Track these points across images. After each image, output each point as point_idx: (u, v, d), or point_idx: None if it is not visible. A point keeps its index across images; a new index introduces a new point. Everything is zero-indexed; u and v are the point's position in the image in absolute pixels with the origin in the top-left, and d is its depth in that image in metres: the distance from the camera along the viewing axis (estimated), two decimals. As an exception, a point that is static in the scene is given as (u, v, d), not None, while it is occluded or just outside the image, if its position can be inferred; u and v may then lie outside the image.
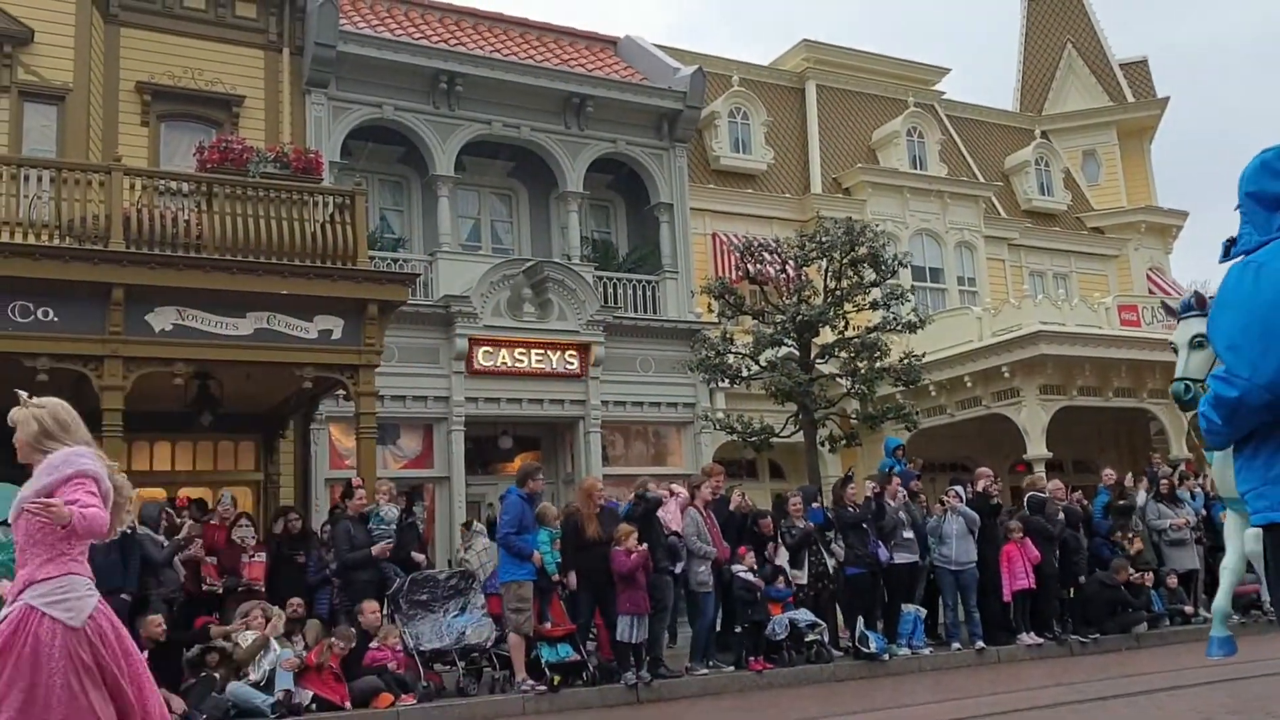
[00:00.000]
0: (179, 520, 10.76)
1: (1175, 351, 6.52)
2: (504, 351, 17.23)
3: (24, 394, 4.52)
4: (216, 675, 9.08)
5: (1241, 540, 7.27)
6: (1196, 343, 6.43)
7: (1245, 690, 8.09)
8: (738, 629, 11.60)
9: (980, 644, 12.36)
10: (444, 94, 17.46)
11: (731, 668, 11.21)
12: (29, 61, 14.24)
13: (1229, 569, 7.54)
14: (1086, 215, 26.12)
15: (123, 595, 9.41)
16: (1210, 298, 6.54)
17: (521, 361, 17.30)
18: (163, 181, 12.61)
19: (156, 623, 9.13)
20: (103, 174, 11.81)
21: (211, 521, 11.05)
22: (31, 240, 11.33)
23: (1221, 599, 7.55)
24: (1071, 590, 13.41)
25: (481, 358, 16.99)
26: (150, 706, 4.24)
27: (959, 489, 13.14)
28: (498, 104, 17.94)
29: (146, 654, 8.77)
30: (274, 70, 16.24)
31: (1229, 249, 3.40)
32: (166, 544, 10.12)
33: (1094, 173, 26.76)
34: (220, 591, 10.40)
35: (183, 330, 11.50)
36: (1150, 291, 24.20)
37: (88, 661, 4.07)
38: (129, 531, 9.57)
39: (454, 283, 16.87)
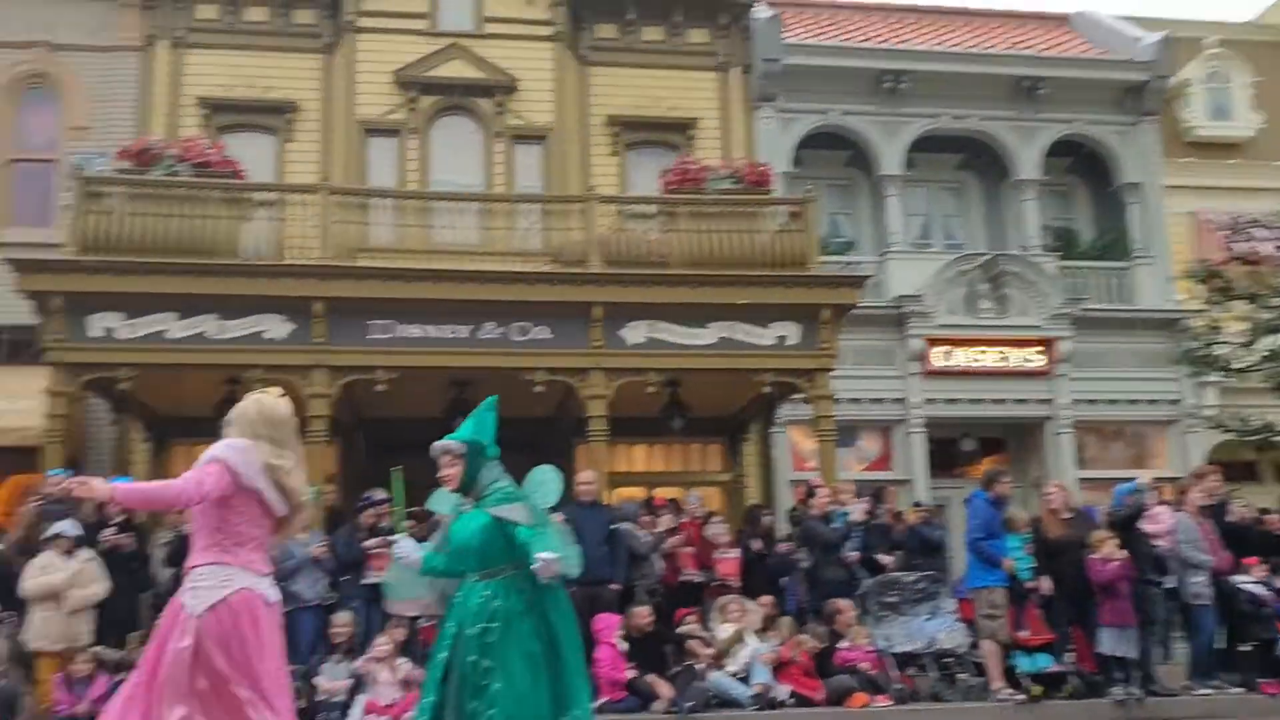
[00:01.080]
0: (657, 516, 11.52)
1: None
2: (961, 350, 16.74)
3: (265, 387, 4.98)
4: (698, 666, 9.59)
5: None
6: None
7: None
8: (1244, 647, 10.41)
9: None
10: (889, 93, 17.33)
11: (1239, 690, 10.08)
12: (516, 108, 16.00)
13: None
14: None
15: (611, 586, 10.25)
16: None
17: (980, 360, 16.70)
18: (631, 206, 13.60)
19: (644, 614, 9.83)
20: (582, 203, 12.98)
21: (683, 520, 11.69)
22: (526, 268, 12.71)
23: None
24: None
25: (938, 358, 16.62)
26: (273, 705, 4.31)
27: None
28: (945, 96, 17.50)
29: (628, 645, 9.53)
30: (724, 90, 16.96)
31: None
32: (648, 538, 10.85)
33: None
34: (698, 582, 10.95)
35: (654, 342, 12.34)
36: None
37: (202, 648, 4.24)
38: (614, 528, 10.40)
39: (905, 282, 16.66)
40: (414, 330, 11.97)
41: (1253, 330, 14.56)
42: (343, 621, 9.21)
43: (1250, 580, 10.41)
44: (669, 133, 16.59)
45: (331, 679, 8.88)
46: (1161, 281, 17.45)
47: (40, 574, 8.94)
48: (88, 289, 11.40)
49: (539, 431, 13.79)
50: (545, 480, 5.56)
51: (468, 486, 5.38)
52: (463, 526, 5.36)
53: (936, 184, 18.64)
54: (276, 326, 11.77)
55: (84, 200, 11.78)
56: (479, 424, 5.48)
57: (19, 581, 9.04)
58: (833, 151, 17.89)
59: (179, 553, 9.73)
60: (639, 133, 16.50)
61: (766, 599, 10.45)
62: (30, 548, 9.33)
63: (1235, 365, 14.85)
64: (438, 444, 5.43)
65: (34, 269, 11.53)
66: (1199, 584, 10.34)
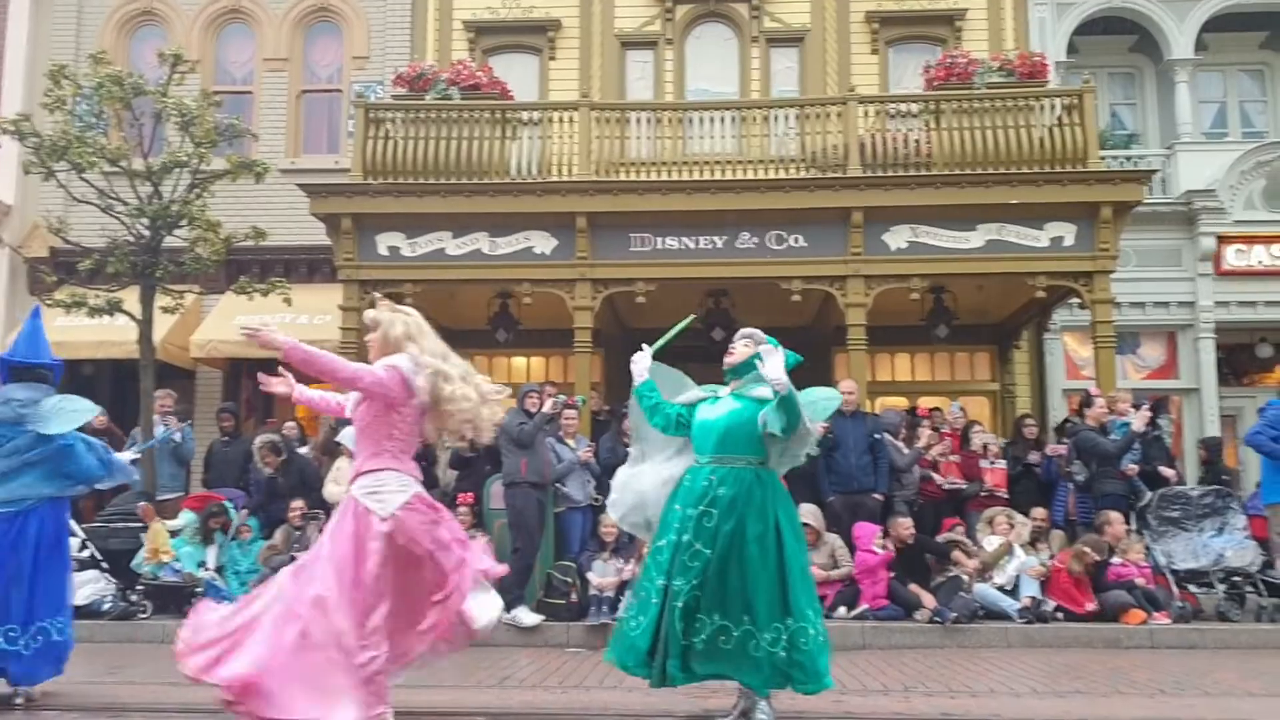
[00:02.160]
0: (917, 428, 11.31)
1: None
2: (1260, 249, 15.31)
3: (384, 300, 5.04)
4: (965, 576, 9.43)
5: None
6: None
7: None
8: None
9: None
10: (1180, -32, 15.79)
11: None
12: (771, 10, 15.70)
13: None
14: None
15: (874, 495, 10.20)
16: None
17: (1282, 259, 15.24)
18: (893, 105, 13.14)
19: (906, 525, 9.73)
20: (839, 105, 12.65)
21: (944, 430, 11.40)
22: (782, 175, 12.58)
23: None
24: None
25: (1232, 257, 15.26)
26: (458, 583, 4.68)
27: None
28: (1246, -33, 15.78)
29: (893, 554, 9.47)
30: (993, -24, 15.96)
31: None
32: (908, 452, 10.68)
33: None
34: (962, 494, 10.71)
35: (916, 247, 12.02)
36: None
37: (398, 545, 4.62)
38: (876, 438, 10.30)
39: (1197, 176, 15.31)
40: (672, 242, 12.16)
41: None
42: (610, 522, 9.62)
43: None
44: (934, 25, 15.82)
45: (601, 575, 9.34)
46: None
47: (334, 476, 9.71)
48: (372, 210, 12.25)
49: (797, 340, 13.59)
50: (821, 397, 5.63)
51: (741, 371, 5.43)
52: (712, 408, 5.43)
53: (1234, 66, 16.91)
54: (543, 242, 12.27)
55: (366, 127, 12.58)
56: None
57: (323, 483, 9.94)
58: (1114, 37, 16.54)
59: (458, 457, 10.47)
60: (900, 28, 15.83)
61: (1040, 512, 10.10)
62: (331, 447, 10.24)
63: None
64: (748, 329, 5.60)
65: (324, 193, 12.48)
66: None
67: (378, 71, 15.67)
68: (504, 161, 12.63)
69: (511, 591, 8.72)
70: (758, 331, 5.53)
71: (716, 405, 5.43)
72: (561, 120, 12.72)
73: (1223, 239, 15.20)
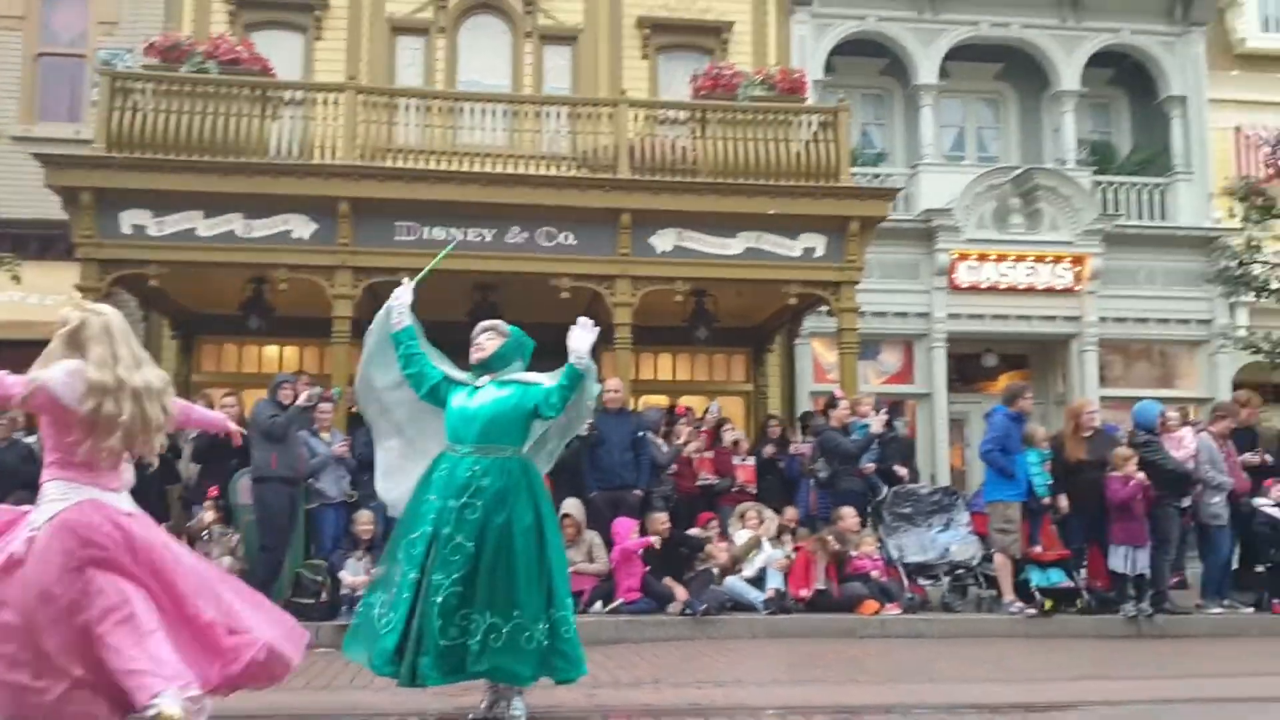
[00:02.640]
0: (675, 425, 11.63)
1: None
2: (989, 266, 16.59)
3: (79, 298, 4.72)
4: (715, 570, 9.76)
5: None
6: None
7: None
8: (1259, 568, 10.47)
9: None
10: (928, -1, 16.91)
11: (1251, 609, 10.17)
12: (545, 7, 15.74)
13: None
14: None
15: (635, 491, 10.41)
16: None
17: (1008, 276, 16.54)
18: (662, 111, 13.44)
19: (662, 520, 9.97)
20: (611, 107, 12.83)
21: (702, 428, 11.77)
22: (553, 172, 12.63)
23: None
24: None
25: (965, 272, 16.49)
26: (177, 594, 4.11)
27: None
28: (985, 3, 17.03)
29: (649, 547, 9.68)
30: (760, -7, 16.60)
31: None
32: (667, 449, 10.97)
33: None
34: (715, 490, 11.09)
35: (682, 251, 12.32)
36: None
37: (38, 557, 3.97)
38: (639, 435, 10.52)
39: (936, 195, 16.44)
40: (439, 233, 11.95)
41: (1291, 251, 14.33)
42: (365, 519, 9.41)
43: (1269, 502, 10.41)
44: (702, 36, 16.28)
45: (354, 574, 9.11)
46: (1200, 198, 17.15)
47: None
48: (116, 185, 11.46)
49: (564, 338, 13.83)
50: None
51: (492, 365, 5.31)
52: (471, 398, 5.25)
53: (972, 94, 18.28)
54: (302, 226, 11.82)
55: (112, 96, 11.76)
56: (522, 336, 5.51)
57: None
58: (867, 59, 17.54)
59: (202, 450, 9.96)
60: (671, 36, 16.21)
61: (792, 513, 10.57)
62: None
63: (1271, 286, 14.64)
64: (489, 320, 5.48)
65: (62, 164, 11.57)
66: (1216, 505, 10.36)
67: (128, 39, 14.64)
68: (263, 141, 12.10)
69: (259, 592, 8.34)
70: (499, 322, 5.48)
71: (477, 395, 5.25)
72: (326, 102, 12.31)
73: (957, 255, 16.38)
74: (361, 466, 10.10)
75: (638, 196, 12.18)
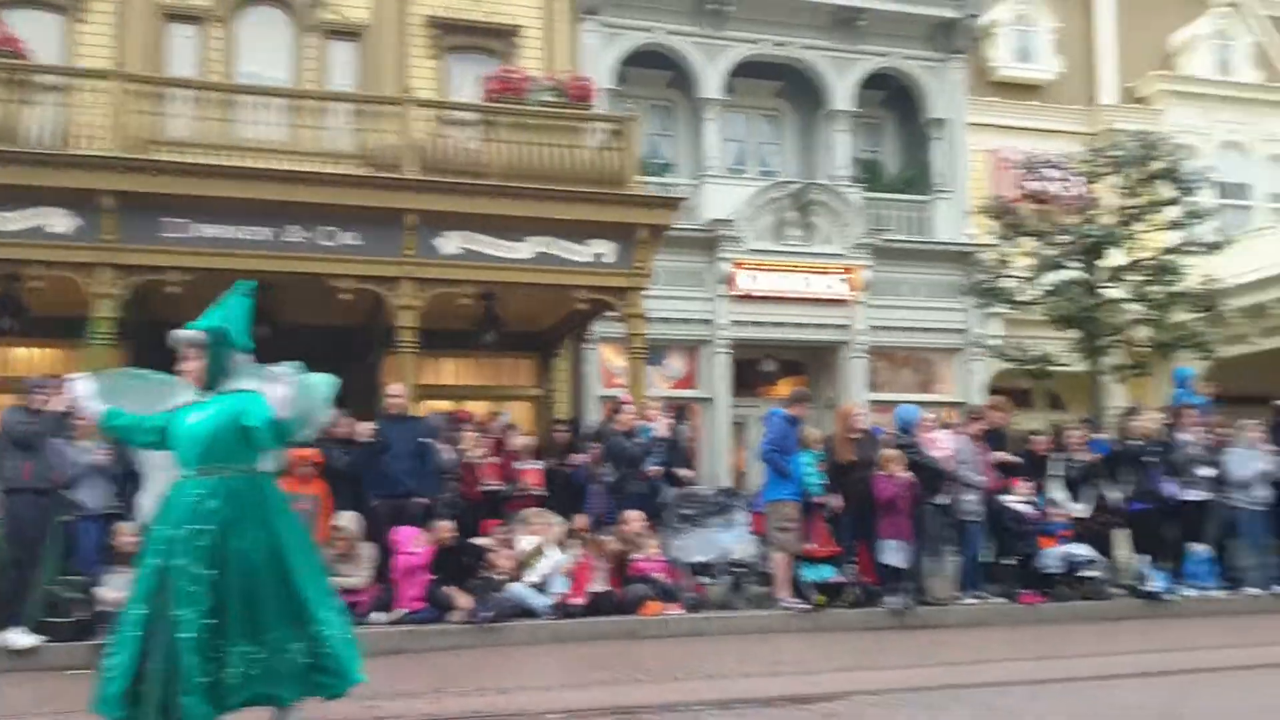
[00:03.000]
0: (459, 431, 11.54)
1: None
2: (767, 275, 17.23)
3: None
4: (500, 577, 9.72)
5: None
6: None
7: None
8: (1007, 561, 11.28)
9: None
10: (713, 15, 17.40)
11: (1001, 599, 10.94)
12: (329, 1, 15.30)
13: None
14: None
15: (419, 499, 10.24)
16: None
17: (785, 285, 17.25)
18: (450, 112, 13.30)
19: (447, 528, 9.85)
20: (397, 105, 12.60)
21: (487, 434, 11.71)
22: (336, 170, 12.28)
23: None
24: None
25: (745, 281, 17.07)
26: None
27: (1250, 424, 12.14)
28: (767, 22, 17.71)
29: (431, 555, 9.56)
30: (550, -1, 16.67)
31: None
32: (451, 454, 10.85)
33: None
34: (500, 492, 11.05)
35: (469, 254, 12.21)
36: None
37: None
38: (423, 441, 10.37)
39: (719, 206, 16.96)
40: (211, 230, 11.43)
41: (1037, 266, 15.52)
42: (127, 532, 8.87)
43: (1016, 499, 11.23)
44: (491, 39, 16.20)
45: (115, 590, 8.57)
46: (958, 216, 18.33)
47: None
48: None
49: (346, 341, 13.51)
50: (315, 384, 4.81)
51: (212, 382, 4.80)
52: (197, 414, 4.77)
53: (754, 110, 18.95)
54: (60, 221, 11.04)
55: None
56: (227, 311, 4.95)
57: None
58: (656, 71, 17.91)
59: None
60: (460, 36, 16.06)
61: (582, 519, 10.61)
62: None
63: (1019, 298, 15.82)
64: (177, 333, 4.83)
65: None
66: (971, 502, 11.10)
67: None
68: (17, 128, 11.25)
69: (6, 610, 7.78)
70: (191, 334, 4.84)
71: (195, 413, 4.78)
72: (89, 89, 11.56)
73: (738, 264, 16.94)
74: (126, 475, 9.55)
75: (424, 197, 11.99)
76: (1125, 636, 9.52)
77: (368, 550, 9.65)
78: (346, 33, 15.41)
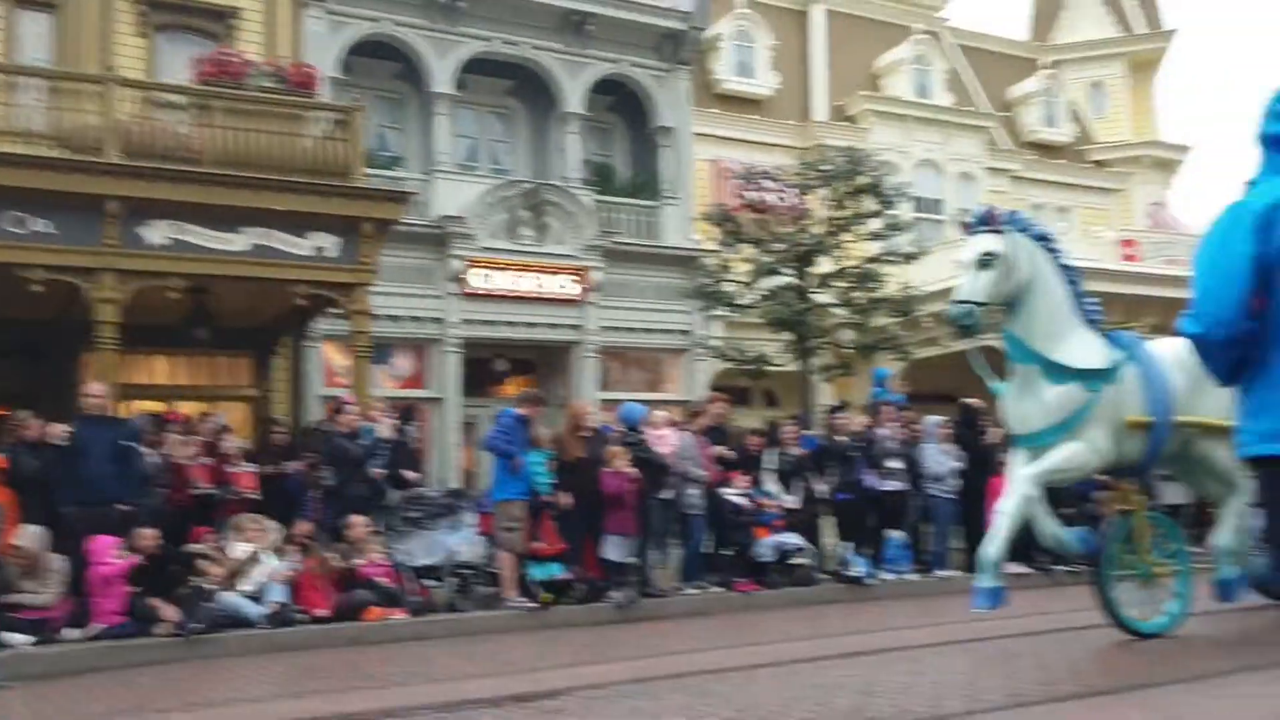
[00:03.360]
0: (164, 432, 10.88)
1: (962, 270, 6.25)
2: (500, 274, 17.21)
3: None
4: (208, 585, 9.20)
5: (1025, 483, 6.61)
6: (984, 262, 6.15)
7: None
8: (726, 551, 11.76)
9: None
10: (443, 9, 17.20)
11: (719, 589, 11.38)
12: (21, -34, 14.04)
13: (1008, 513, 6.72)
14: (1089, 149, 25.90)
15: (120, 505, 9.54)
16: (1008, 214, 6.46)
17: (518, 285, 17.30)
18: (159, 94, 12.48)
19: (150, 535, 9.22)
20: (99, 84, 11.69)
21: (196, 435, 11.10)
22: (27, 150, 11.26)
23: (995, 546, 6.77)
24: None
25: (477, 279, 16.97)
26: None
27: (938, 420, 13.23)
28: (498, 20, 17.69)
29: (133, 566, 8.93)
30: (270, -18, 15.97)
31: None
32: (155, 458, 10.21)
33: (1100, 105, 26.48)
34: (212, 496, 10.48)
35: (179, 244, 11.51)
36: (1152, 226, 24.08)
37: None
38: (125, 444, 9.68)
39: (450, 203, 16.78)
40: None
41: (755, 271, 16.28)
42: None
43: (735, 492, 11.72)
44: (206, 19, 15.38)
45: None
46: (683, 221, 18.97)
47: None
48: None
49: (39, 336, 12.47)
50: None
51: None
52: None
53: (486, 108, 18.90)
54: None
55: None
56: None
57: None
58: (384, 62, 17.53)
59: None
60: (171, 15, 15.15)
61: (306, 527, 10.19)
62: None
63: (739, 302, 16.54)
64: None
65: None
66: (694, 496, 11.49)
67: None
68: None
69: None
70: None
71: None
72: None
73: (470, 263, 16.82)
74: None
75: (128, 183, 11.19)
76: (831, 619, 10.11)
77: (57, 563, 8.90)
78: (40, 3, 14.16)
